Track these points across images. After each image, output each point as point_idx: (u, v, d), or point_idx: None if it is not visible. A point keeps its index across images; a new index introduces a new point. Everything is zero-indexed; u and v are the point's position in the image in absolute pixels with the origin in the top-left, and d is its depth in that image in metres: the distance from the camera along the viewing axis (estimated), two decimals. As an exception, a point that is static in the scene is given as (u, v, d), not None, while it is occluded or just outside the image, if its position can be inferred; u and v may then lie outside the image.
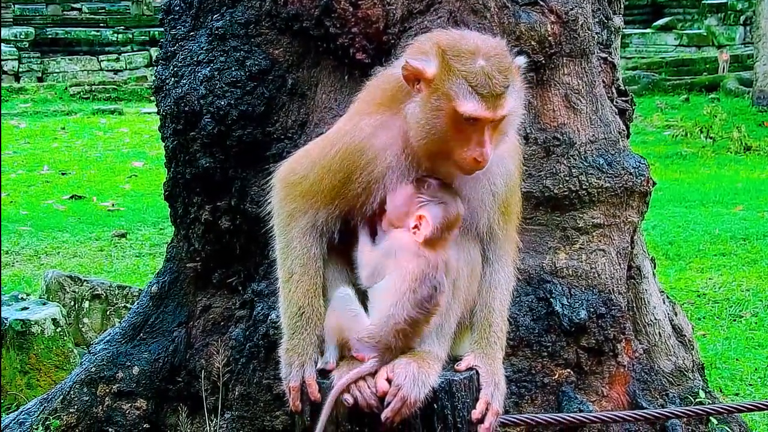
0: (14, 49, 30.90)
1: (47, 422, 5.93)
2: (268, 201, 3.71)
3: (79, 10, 33.95)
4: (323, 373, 3.51)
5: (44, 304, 8.01)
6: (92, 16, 33.77)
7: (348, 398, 3.32)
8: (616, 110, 5.83)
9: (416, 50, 3.44)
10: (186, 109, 5.55)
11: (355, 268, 3.51)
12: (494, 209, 3.53)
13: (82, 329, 8.61)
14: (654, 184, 5.76)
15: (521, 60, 3.46)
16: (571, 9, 5.42)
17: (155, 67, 6.00)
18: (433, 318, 3.38)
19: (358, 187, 3.46)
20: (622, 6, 6.46)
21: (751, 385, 7.95)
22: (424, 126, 3.34)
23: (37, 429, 5.92)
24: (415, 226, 3.37)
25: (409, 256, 3.36)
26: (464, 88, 3.26)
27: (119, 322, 6.59)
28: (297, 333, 3.55)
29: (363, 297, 3.47)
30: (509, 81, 3.31)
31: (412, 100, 3.37)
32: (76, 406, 5.95)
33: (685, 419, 5.49)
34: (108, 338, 6.12)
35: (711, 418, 5.65)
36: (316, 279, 3.55)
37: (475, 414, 3.42)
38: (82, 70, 31.52)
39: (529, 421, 4.07)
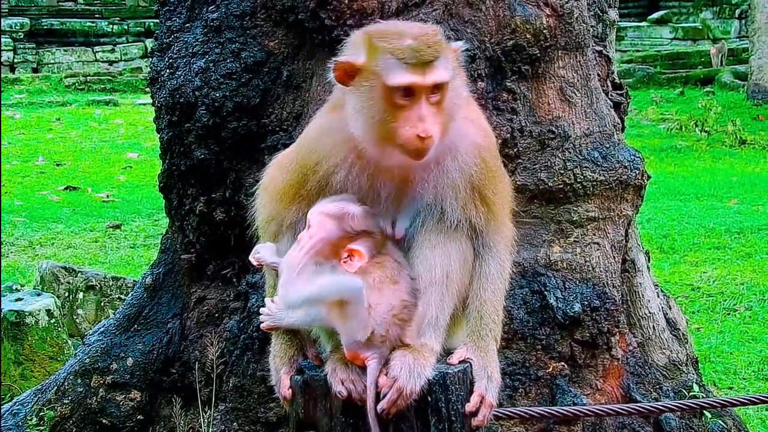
0: (9, 39, 30.80)
1: (41, 413, 5.93)
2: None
3: (75, 0, 33.86)
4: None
5: (38, 294, 8.00)
6: (87, 7, 33.67)
7: (342, 391, 3.32)
8: (611, 103, 5.82)
9: (347, 46, 3.45)
10: (181, 100, 5.55)
11: None
12: (463, 203, 3.48)
13: (77, 320, 8.61)
14: (649, 177, 5.76)
15: (459, 43, 3.45)
16: (567, 2, 5.41)
17: (150, 59, 5.99)
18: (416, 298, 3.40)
19: (311, 187, 3.50)
20: (618, -1, 6.46)
21: (744, 378, 7.96)
22: (363, 112, 3.33)
23: (30, 420, 5.92)
24: (348, 257, 3.37)
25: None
26: (391, 62, 3.25)
27: (113, 313, 6.59)
28: (278, 337, 3.62)
29: None
30: (439, 53, 3.28)
31: (350, 94, 3.38)
32: (70, 397, 5.95)
33: (678, 413, 5.49)
34: (102, 329, 6.12)
35: (705, 411, 5.65)
36: None
37: (469, 407, 3.42)
38: (78, 61, 31.43)
39: (523, 414, 4.07)
